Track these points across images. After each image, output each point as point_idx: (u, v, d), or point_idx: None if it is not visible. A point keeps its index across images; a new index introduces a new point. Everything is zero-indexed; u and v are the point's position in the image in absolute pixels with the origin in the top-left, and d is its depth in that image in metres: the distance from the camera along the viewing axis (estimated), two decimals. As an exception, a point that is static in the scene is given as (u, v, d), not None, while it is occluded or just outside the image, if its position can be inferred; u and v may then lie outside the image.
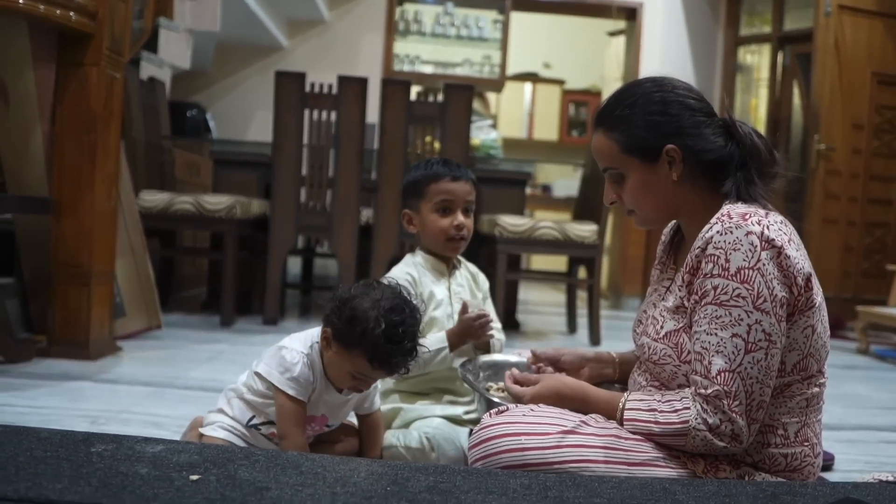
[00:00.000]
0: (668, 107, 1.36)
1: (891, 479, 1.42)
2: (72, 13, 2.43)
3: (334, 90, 3.61)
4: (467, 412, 1.76)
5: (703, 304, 1.29)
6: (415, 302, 1.47)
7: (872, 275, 5.06)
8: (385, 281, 1.56)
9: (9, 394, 2.08)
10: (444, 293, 1.78)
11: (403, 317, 1.40)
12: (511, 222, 3.60)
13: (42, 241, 2.62)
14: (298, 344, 1.48)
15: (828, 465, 1.91)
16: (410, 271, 1.78)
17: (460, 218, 1.76)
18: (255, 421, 1.53)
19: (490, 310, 1.86)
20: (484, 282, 1.92)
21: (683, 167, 1.37)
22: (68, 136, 2.57)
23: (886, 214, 5.15)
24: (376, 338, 1.37)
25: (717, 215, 1.31)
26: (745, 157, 1.37)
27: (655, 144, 1.36)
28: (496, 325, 1.87)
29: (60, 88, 2.57)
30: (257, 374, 1.49)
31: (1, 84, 2.55)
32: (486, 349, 1.80)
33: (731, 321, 1.25)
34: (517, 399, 1.45)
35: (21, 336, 2.48)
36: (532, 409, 1.36)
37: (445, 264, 1.82)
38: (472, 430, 1.67)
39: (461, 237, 1.78)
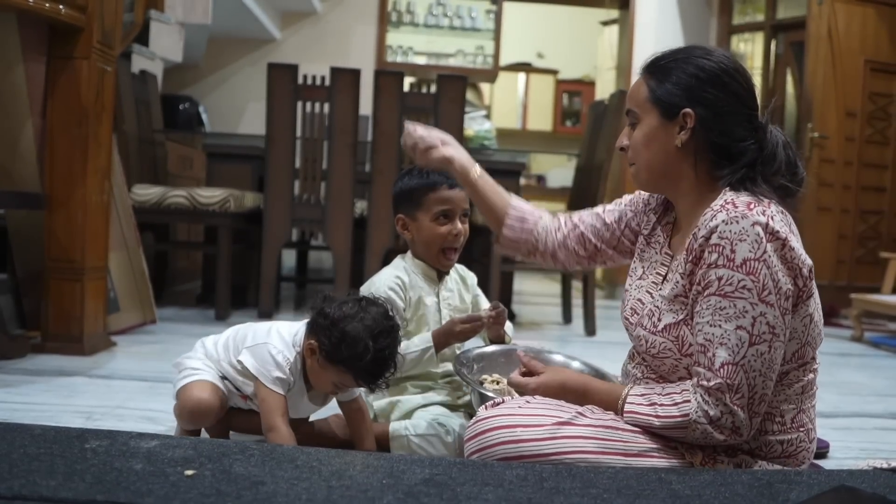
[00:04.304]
0: (707, 75, 1.35)
1: (886, 465, 1.43)
2: (61, 6, 2.41)
3: (327, 82, 3.59)
4: (460, 396, 1.78)
5: (706, 294, 1.28)
6: (396, 316, 1.52)
7: (866, 262, 5.07)
8: (371, 294, 1.60)
9: (2, 390, 2.08)
10: (433, 300, 1.79)
11: (389, 341, 1.46)
12: (505, 213, 3.59)
13: (34, 237, 2.61)
14: (284, 347, 1.53)
15: (823, 452, 1.91)
16: (401, 275, 1.77)
17: (458, 226, 1.76)
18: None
19: (484, 305, 1.87)
20: (472, 280, 1.92)
21: (692, 137, 1.35)
22: (59, 131, 2.55)
23: (880, 202, 5.16)
24: (364, 362, 1.43)
25: (720, 203, 1.29)
26: (759, 160, 1.35)
27: (677, 103, 1.35)
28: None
29: (51, 82, 2.55)
30: (241, 362, 1.55)
31: (-10, 78, 2.53)
32: (501, 341, 1.81)
33: (735, 313, 1.24)
34: (520, 389, 1.44)
35: (14, 332, 2.48)
36: (527, 401, 1.36)
37: (436, 270, 1.82)
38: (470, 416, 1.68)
39: (457, 247, 1.78)
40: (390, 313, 1.50)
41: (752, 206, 1.26)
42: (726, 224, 1.25)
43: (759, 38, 5.99)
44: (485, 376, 1.66)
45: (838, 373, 3.11)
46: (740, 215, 1.25)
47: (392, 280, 1.75)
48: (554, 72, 8.87)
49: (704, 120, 1.34)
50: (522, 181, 5.85)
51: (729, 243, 1.25)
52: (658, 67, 1.40)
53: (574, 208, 4.01)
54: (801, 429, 1.35)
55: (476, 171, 1.66)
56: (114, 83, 2.74)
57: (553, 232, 1.64)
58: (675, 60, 1.38)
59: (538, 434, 1.30)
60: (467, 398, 1.76)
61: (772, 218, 1.25)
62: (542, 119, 8.83)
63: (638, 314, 1.45)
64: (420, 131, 1.66)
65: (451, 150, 1.65)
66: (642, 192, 1.57)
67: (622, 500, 1.12)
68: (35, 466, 1.10)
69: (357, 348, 1.42)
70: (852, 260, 5.09)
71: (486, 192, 1.66)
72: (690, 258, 1.31)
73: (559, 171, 8.31)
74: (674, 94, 1.36)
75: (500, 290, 3.69)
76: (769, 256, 1.24)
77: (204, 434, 1.65)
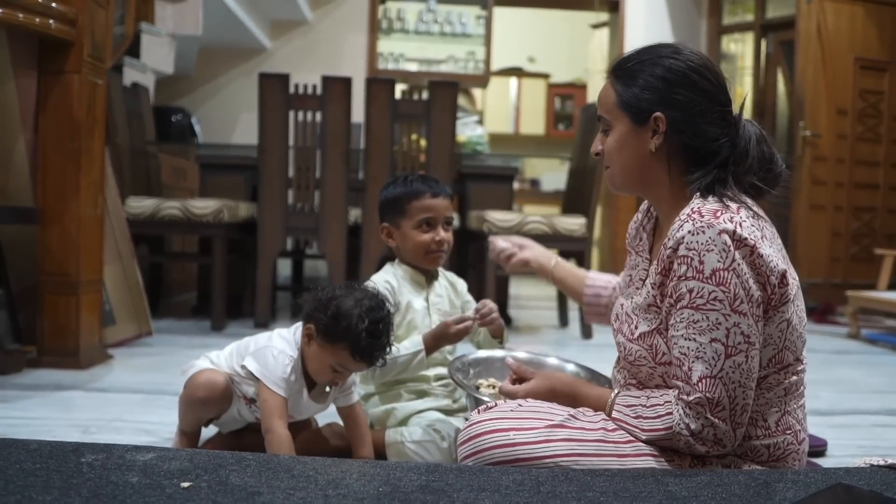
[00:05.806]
0: (675, 76, 1.32)
1: (883, 463, 1.43)
2: (51, 21, 2.41)
3: (319, 91, 3.60)
4: (455, 400, 1.79)
5: (678, 307, 1.26)
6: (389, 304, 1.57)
7: (861, 259, 5.08)
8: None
9: (-1, 406, 2.07)
10: (421, 304, 1.81)
11: (383, 314, 1.52)
12: (499, 218, 3.60)
13: (29, 251, 2.60)
14: (286, 346, 1.57)
15: (820, 450, 1.91)
16: (390, 280, 1.80)
17: (441, 234, 1.79)
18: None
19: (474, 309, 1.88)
20: (462, 286, 1.94)
21: (665, 141, 1.33)
22: (52, 145, 2.55)
23: (873, 198, 5.18)
24: (359, 333, 1.47)
25: (687, 212, 1.27)
26: (731, 158, 1.32)
27: (647, 108, 1.33)
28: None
29: (42, 97, 2.55)
30: (245, 367, 1.58)
31: (-19, 94, 2.53)
32: (500, 335, 1.83)
33: (708, 326, 1.23)
34: (510, 396, 1.45)
35: (10, 347, 2.47)
36: (520, 405, 1.36)
37: (424, 276, 1.84)
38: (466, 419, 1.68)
39: (442, 251, 1.81)
40: (380, 294, 1.56)
41: (718, 213, 1.24)
42: (692, 235, 1.23)
43: (749, 37, 6.02)
44: (481, 381, 1.66)
45: (835, 370, 3.11)
46: (706, 225, 1.23)
47: (381, 285, 1.76)
48: (545, 76, 8.89)
49: (676, 123, 1.32)
50: (516, 185, 5.85)
51: (697, 254, 1.23)
52: (624, 70, 1.36)
53: (568, 212, 4.03)
54: (788, 431, 1.33)
55: (552, 263, 1.80)
56: (105, 96, 2.74)
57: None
58: (641, 62, 1.35)
59: (531, 437, 1.29)
60: (463, 402, 1.76)
61: (740, 225, 1.23)
62: (534, 123, 8.85)
63: (619, 320, 1.45)
64: (500, 244, 1.84)
65: (528, 252, 1.82)
66: (635, 217, 1.55)
67: (619, 503, 1.12)
68: (31, 482, 1.10)
69: (352, 320, 1.47)
70: (847, 257, 5.11)
71: (566, 278, 1.79)
72: (660, 269, 1.30)
73: (553, 174, 8.32)
74: (642, 98, 1.33)
75: (495, 294, 3.69)
76: (738, 265, 1.22)
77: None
